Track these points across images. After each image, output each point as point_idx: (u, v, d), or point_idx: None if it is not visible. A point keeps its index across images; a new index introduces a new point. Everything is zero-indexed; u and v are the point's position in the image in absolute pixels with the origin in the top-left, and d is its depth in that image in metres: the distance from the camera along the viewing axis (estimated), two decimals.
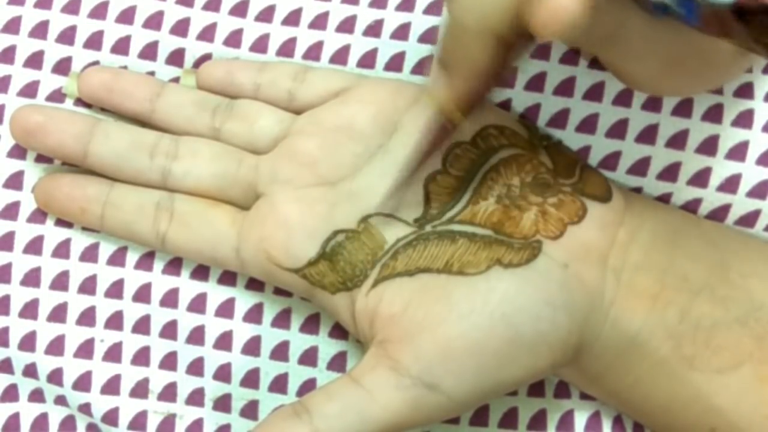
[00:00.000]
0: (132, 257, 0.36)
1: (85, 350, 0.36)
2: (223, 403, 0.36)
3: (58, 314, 0.36)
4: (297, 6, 0.36)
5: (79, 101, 0.37)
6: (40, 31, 0.37)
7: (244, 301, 0.36)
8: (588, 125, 0.35)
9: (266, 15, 0.37)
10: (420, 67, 0.36)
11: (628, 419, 0.36)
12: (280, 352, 0.36)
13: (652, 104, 0.35)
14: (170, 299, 0.36)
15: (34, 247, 0.36)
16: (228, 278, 0.36)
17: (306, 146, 0.34)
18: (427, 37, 0.36)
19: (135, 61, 0.37)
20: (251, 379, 0.36)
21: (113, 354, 0.36)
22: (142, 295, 0.36)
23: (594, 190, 0.33)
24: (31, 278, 0.36)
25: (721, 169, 0.35)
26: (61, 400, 0.37)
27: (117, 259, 0.36)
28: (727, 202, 0.35)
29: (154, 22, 0.37)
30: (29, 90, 0.37)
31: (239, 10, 0.37)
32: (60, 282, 0.36)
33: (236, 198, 0.35)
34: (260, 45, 0.36)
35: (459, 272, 0.31)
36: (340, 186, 0.34)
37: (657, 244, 0.32)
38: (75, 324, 0.36)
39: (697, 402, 0.32)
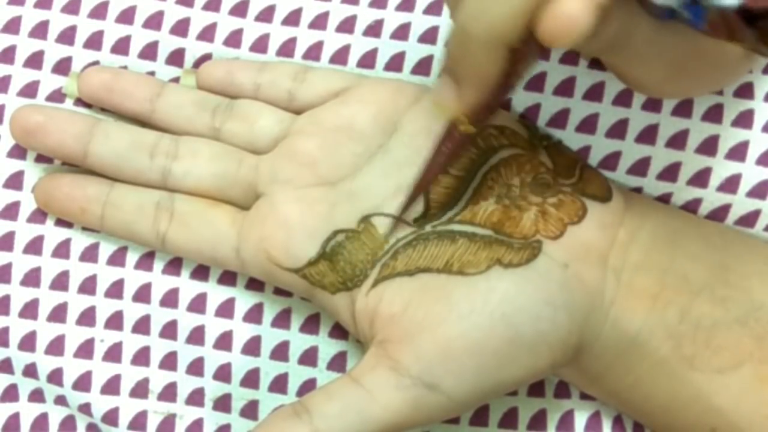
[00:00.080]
0: (132, 257, 0.36)
1: (85, 350, 0.36)
2: (223, 403, 0.36)
3: (58, 314, 0.36)
4: (297, 6, 0.36)
5: (79, 101, 0.37)
6: (40, 31, 0.37)
7: (244, 301, 0.36)
8: (588, 125, 0.35)
9: (266, 15, 0.37)
10: (420, 67, 0.36)
11: (628, 419, 0.36)
12: (280, 352, 0.36)
13: (652, 104, 0.35)
14: (170, 299, 0.36)
15: (34, 247, 0.36)
16: (228, 278, 0.36)
17: (306, 146, 0.34)
18: (427, 37, 0.36)
19: (135, 61, 0.37)
20: (251, 379, 0.36)
21: (113, 354, 0.36)
22: (142, 295, 0.36)
23: (594, 190, 0.33)
24: (31, 278, 0.36)
25: (721, 169, 0.35)
26: (61, 400, 0.37)
27: (117, 259, 0.36)
28: (727, 202, 0.35)
29: (154, 22, 0.37)
30: (29, 90, 0.37)
31: (239, 10, 0.37)
32: (60, 282, 0.36)
33: (236, 198, 0.35)
34: (260, 45, 0.36)
35: (459, 272, 0.31)
36: (340, 186, 0.34)
37: (657, 244, 0.32)
38: (75, 324, 0.36)
39: (697, 402, 0.32)
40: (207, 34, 0.37)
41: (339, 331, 0.36)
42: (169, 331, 0.36)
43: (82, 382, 0.36)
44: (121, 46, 0.37)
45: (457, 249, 0.32)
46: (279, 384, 0.36)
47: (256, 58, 0.36)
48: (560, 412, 0.36)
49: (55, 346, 0.36)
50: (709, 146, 0.35)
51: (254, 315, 0.36)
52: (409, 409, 0.30)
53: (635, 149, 0.35)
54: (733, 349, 0.31)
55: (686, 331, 0.31)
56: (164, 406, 0.36)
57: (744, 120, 0.34)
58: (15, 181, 0.37)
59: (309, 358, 0.36)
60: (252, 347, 0.36)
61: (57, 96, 0.37)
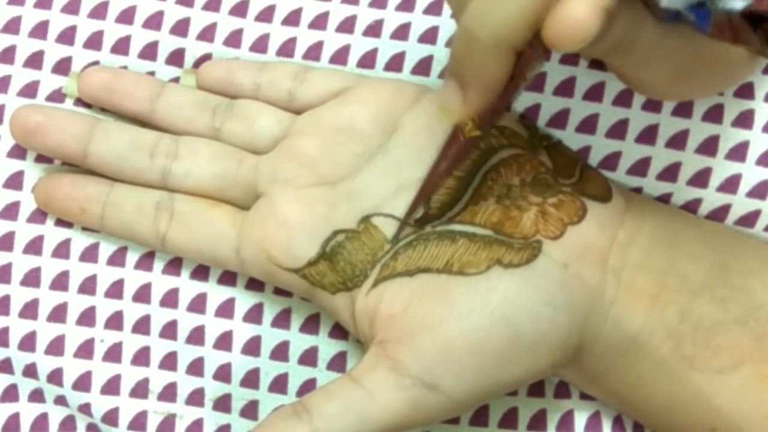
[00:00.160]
0: (132, 257, 0.36)
1: (85, 350, 0.36)
2: (223, 403, 0.36)
3: (58, 314, 0.36)
4: (297, 6, 0.36)
5: (79, 101, 0.37)
6: (40, 31, 0.37)
7: (244, 301, 0.36)
8: (588, 125, 0.35)
9: (266, 15, 0.37)
10: (420, 68, 0.36)
11: (628, 419, 0.36)
12: (280, 352, 0.36)
13: (653, 104, 0.35)
14: (170, 299, 0.36)
15: (34, 247, 0.36)
16: (228, 278, 0.36)
17: (306, 146, 0.34)
18: (427, 37, 0.36)
19: (135, 61, 0.37)
20: (251, 379, 0.36)
21: (113, 354, 0.36)
22: (142, 295, 0.36)
23: (594, 190, 0.33)
24: (31, 278, 0.36)
25: (721, 169, 0.35)
26: (61, 400, 0.37)
27: (117, 259, 0.36)
28: (727, 203, 0.35)
29: (154, 22, 0.37)
30: (29, 90, 0.37)
31: (239, 10, 0.37)
32: (60, 282, 0.36)
33: (236, 198, 0.35)
34: (260, 45, 0.36)
35: (459, 272, 0.31)
36: (340, 186, 0.34)
37: (657, 245, 0.32)
38: (75, 324, 0.36)
39: (697, 402, 0.32)
40: (207, 34, 0.37)
41: (339, 331, 0.36)
42: (169, 331, 0.36)
43: (82, 382, 0.36)
44: (121, 46, 0.37)
45: (457, 249, 0.32)
46: (279, 384, 0.36)
47: (256, 58, 0.36)
48: (560, 412, 0.36)
49: (55, 346, 0.36)
50: (709, 146, 0.35)
51: (254, 315, 0.36)
52: (409, 409, 0.30)
53: (635, 149, 0.35)
54: (732, 349, 0.31)
55: (686, 331, 0.31)
56: (164, 406, 0.36)
57: (744, 120, 0.34)
58: (15, 181, 0.37)
59: (309, 358, 0.36)
60: (252, 347, 0.36)
61: (57, 96, 0.37)
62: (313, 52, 0.36)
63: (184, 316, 0.36)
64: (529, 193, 0.33)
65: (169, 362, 0.36)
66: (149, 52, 0.37)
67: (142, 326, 0.36)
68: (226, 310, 0.36)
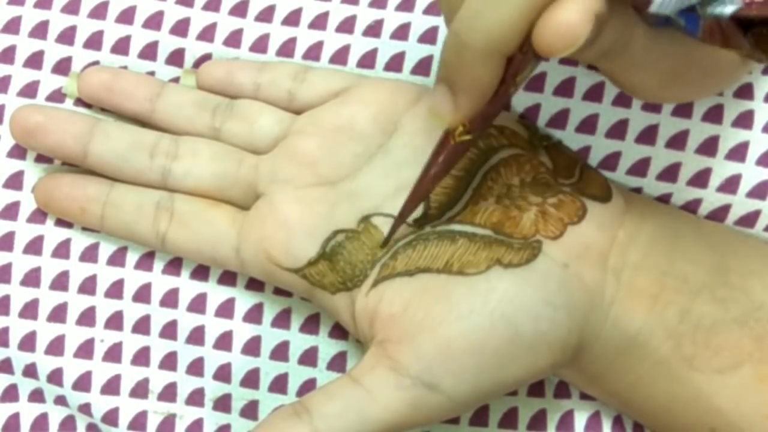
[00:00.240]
0: (132, 257, 0.36)
1: (85, 350, 0.36)
2: (223, 403, 0.36)
3: (58, 314, 0.36)
4: (297, 6, 0.36)
5: (79, 101, 0.37)
6: (40, 31, 0.37)
7: (244, 301, 0.36)
8: (588, 125, 0.35)
9: (266, 15, 0.37)
10: (420, 68, 0.36)
11: (628, 419, 0.36)
12: (280, 352, 0.36)
13: (652, 105, 0.35)
14: (170, 299, 0.36)
15: (34, 247, 0.36)
16: (228, 278, 0.36)
17: (306, 146, 0.34)
18: (427, 37, 0.36)
19: (135, 61, 0.37)
20: (251, 379, 0.36)
21: (113, 354, 0.36)
22: (142, 295, 0.36)
23: (594, 190, 0.33)
24: (31, 278, 0.36)
25: (721, 169, 0.35)
26: (61, 400, 0.37)
27: (117, 259, 0.36)
28: (727, 203, 0.35)
29: (154, 22, 0.37)
30: (29, 90, 0.37)
31: (239, 10, 0.37)
32: (60, 282, 0.36)
33: (236, 198, 0.35)
34: (260, 45, 0.36)
35: (459, 272, 0.31)
36: (340, 186, 0.34)
37: (657, 245, 0.32)
38: (75, 324, 0.36)
39: (697, 402, 0.32)
40: (207, 34, 0.37)
41: (339, 331, 0.36)
42: (169, 331, 0.36)
43: (82, 382, 0.36)
44: (121, 46, 0.37)
45: (457, 249, 0.32)
46: (279, 384, 0.36)
47: (256, 58, 0.36)
48: (560, 412, 0.36)
49: (55, 346, 0.36)
50: (709, 147, 0.35)
51: (254, 315, 0.36)
52: (409, 409, 0.30)
53: (635, 149, 0.35)
54: (732, 349, 0.31)
55: (686, 331, 0.31)
56: (164, 406, 0.36)
57: (744, 120, 0.34)
58: (15, 181, 0.37)
59: (309, 358, 0.36)
60: (252, 347, 0.36)
61: (57, 96, 0.37)
62: (313, 52, 0.36)
63: (184, 316, 0.36)
64: (528, 193, 0.33)
65: (169, 362, 0.36)
66: (149, 52, 0.37)
67: (142, 326, 0.36)
68: (226, 310, 0.36)
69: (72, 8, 0.37)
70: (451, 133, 0.29)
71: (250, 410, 0.36)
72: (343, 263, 0.33)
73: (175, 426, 0.36)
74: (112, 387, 0.36)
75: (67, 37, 0.37)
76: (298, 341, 0.36)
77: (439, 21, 0.36)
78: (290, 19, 0.36)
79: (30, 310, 0.36)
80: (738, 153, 0.35)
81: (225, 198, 0.35)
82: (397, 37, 0.36)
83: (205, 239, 0.35)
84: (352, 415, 0.30)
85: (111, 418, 0.36)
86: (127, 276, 0.36)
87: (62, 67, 0.37)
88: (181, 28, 0.37)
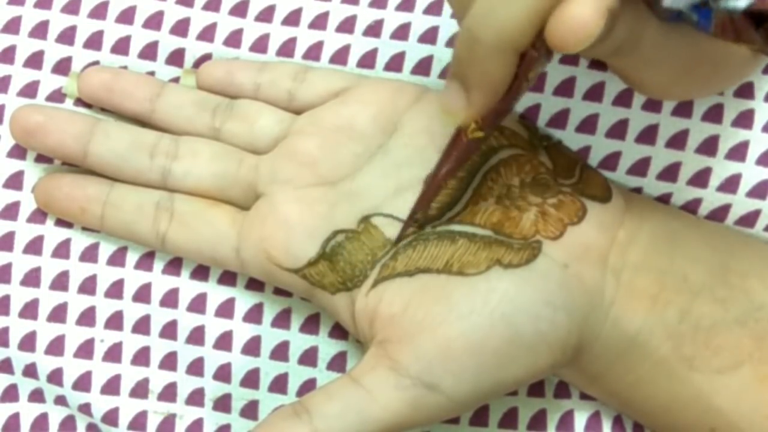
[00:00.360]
0: (132, 257, 0.36)
1: (85, 350, 0.36)
2: (223, 403, 0.36)
3: (58, 314, 0.36)
4: (297, 6, 0.36)
5: (79, 101, 0.37)
6: (40, 31, 0.37)
7: (244, 301, 0.36)
8: (588, 125, 0.35)
9: (266, 15, 0.37)
10: (420, 68, 0.36)
11: (628, 419, 0.36)
12: (280, 352, 0.36)
13: (652, 104, 0.35)
14: (170, 299, 0.36)
15: (34, 247, 0.36)
16: (228, 278, 0.36)
17: (306, 146, 0.34)
18: (427, 37, 0.36)
19: (135, 61, 0.37)
20: (251, 379, 0.36)
21: (113, 354, 0.36)
22: (142, 295, 0.36)
23: (594, 190, 0.33)
24: (31, 278, 0.36)
25: (721, 169, 0.35)
26: (61, 400, 0.37)
27: (117, 259, 0.36)
28: (727, 202, 0.35)
29: (154, 22, 0.37)
30: (29, 90, 0.37)
31: (239, 10, 0.37)
32: (60, 282, 0.36)
33: (236, 198, 0.35)
34: (260, 45, 0.36)
35: (459, 272, 0.31)
36: (340, 186, 0.34)
37: (657, 245, 0.32)
38: (75, 324, 0.36)
39: (697, 402, 0.32)
40: (207, 34, 0.37)
41: (339, 331, 0.36)
42: (169, 331, 0.36)
43: (82, 382, 0.36)
44: (121, 46, 0.37)
45: (456, 249, 0.32)
46: (279, 384, 0.36)
47: (256, 58, 0.36)
48: (560, 412, 0.36)
49: (55, 346, 0.36)
50: (709, 146, 0.35)
51: (254, 315, 0.36)
52: (409, 409, 0.30)
53: (635, 149, 0.35)
54: (732, 349, 0.31)
55: (686, 331, 0.31)
56: (164, 406, 0.36)
57: (744, 120, 0.34)
58: (15, 181, 0.37)
59: (309, 358, 0.36)
60: (252, 347, 0.36)
61: (57, 96, 0.37)
62: (313, 52, 0.36)
63: (184, 316, 0.36)
64: (528, 193, 0.33)
65: (169, 362, 0.36)
66: (149, 52, 0.37)
67: (142, 326, 0.36)
68: (226, 310, 0.36)
69: (72, 8, 0.37)
70: (463, 130, 0.29)
71: (250, 410, 0.36)
72: (343, 263, 0.33)
73: (175, 426, 0.36)
74: (112, 387, 0.36)
75: (67, 37, 0.37)
76: (298, 341, 0.36)
77: (439, 21, 0.36)
78: (290, 19, 0.36)
79: (30, 310, 0.36)
80: (738, 152, 0.35)
81: (225, 198, 0.35)
82: (397, 37, 0.36)
83: (205, 239, 0.35)
84: (352, 415, 0.30)
85: (111, 418, 0.36)
86: (127, 276, 0.36)
87: (62, 67, 0.37)
88: (181, 28, 0.37)
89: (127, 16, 0.37)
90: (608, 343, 0.32)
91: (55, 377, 0.36)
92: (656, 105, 0.35)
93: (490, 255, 0.31)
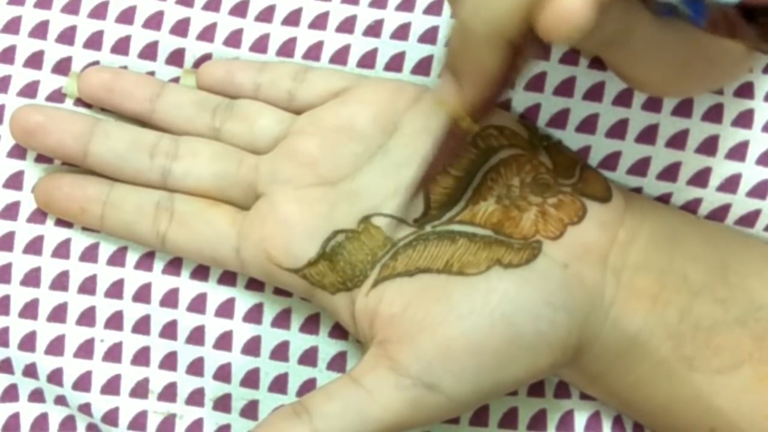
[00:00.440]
0: (132, 257, 0.36)
1: (85, 350, 0.36)
2: (223, 403, 0.36)
3: (58, 314, 0.36)
4: (297, 6, 0.36)
5: (79, 101, 0.37)
6: (40, 31, 0.37)
7: (244, 301, 0.36)
8: (588, 125, 0.35)
9: (266, 15, 0.37)
10: (420, 67, 0.36)
11: (628, 419, 0.36)
12: (280, 352, 0.36)
13: (652, 104, 0.35)
14: (170, 299, 0.36)
15: (34, 247, 0.36)
16: (228, 278, 0.36)
17: (306, 146, 0.34)
18: (427, 37, 0.36)
19: (135, 61, 0.37)
20: (251, 379, 0.36)
21: (113, 354, 0.36)
22: (142, 295, 0.36)
23: (594, 190, 0.33)
24: (31, 278, 0.36)
25: (721, 169, 0.35)
26: (61, 400, 0.37)
27: (117, 259, 0.36)
28: (727, 202, 0.35)
29: (154, 22, 0.37)
30: (29, 90, 0.37)
31: (239, 10, 0.37)
32: (60, 282, 0.36)
33: (236, 198, 0.35)
34: (260, 45, 0.36)
35: (459, 272, 0.31)
36: (340, 186, 0.34)
37: (657, 245, 0.32)
38: (75, 324, 0.36)
39: (697, 402, 0.32)
40: (207, 34, 0.37)
41: (339, 331, 0.36)
42: (169, 331, 0.36)
43: (82, 382, 0.36)
44: (121, 46, 0.37)
45: (457, 249, 0.32)
46: (279, 384, 0.36)
47: (256, 58, 0.36)
48: (560, 412, 0.36)
49: (55, 346, 0.36)
50: (709, 146, 0.35)
51: (254, 315, 0.36)
52: (409, 409, 0.30)
53: (635, 149, 0.35)
54: (732, 349, 0.31)
55: (686, 331, 0.31)
56: (164, 406, 0.36)
57: (744, 120, 0.34)
58: (15, 181, 0.37)
59: (309, 358, 0.36)
60: (252, 347, 0.36)
61: (57, 96, 0.37)
62: (313, 52, 0.36)
63: (184, 316, 0.36)
64: (528, 193, 0.33)
65: (169, 362, 0.36)
66: (149, 52, 0.37)
67: (142, 326, 0.36)
68: (226, 310, 0.36)
69: (72, 8, 0.37)
70: (456, 120, 0.30)
71: (250, 410, 0.36)
72: (343, 263, 0.33)
73: (175, 426, 0.36)
74: (112, 387, 0.36)
75: (67, 37, 0.37)
76: (298, 341, 0.36)
77: (439, 21, 0.36)
78: (290, 19, 0.36)
79: (30, 310, 0.36)
80: (738, 152, 0.35)
81: (225, 198, 0.35)
82: (397, 37, 0.36)
83: (205, 239, 0.35)
84: (352, 415, 0.30)
85: (111, 418, 0.36)
86: (127, 276, 0.36)
87: (62, 67, 0.37)
88: (181, 28, 0.37)
89: (127, 16, 0.37)
90: (608, 343, 0.32)
91: (55, 377, 0.36)
92: (656, 105, 0.35)
93: (490, 255, 0.31)
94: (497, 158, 0.33)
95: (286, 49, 0.36)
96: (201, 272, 0.36)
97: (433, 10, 0.36)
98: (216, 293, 0.36)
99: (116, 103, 0.36)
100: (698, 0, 0.25)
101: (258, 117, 0.35)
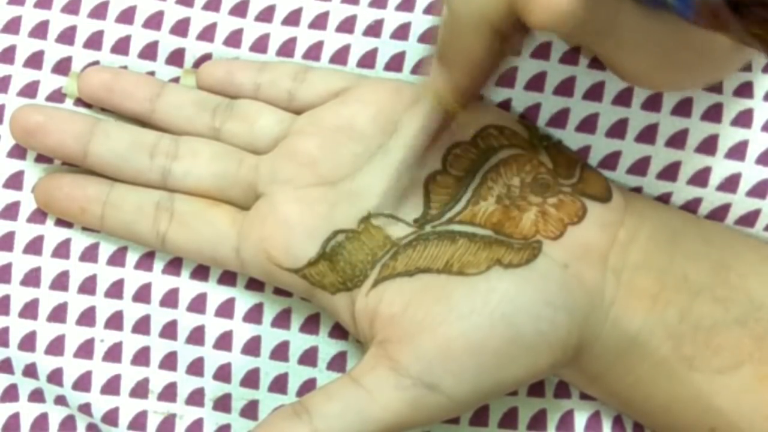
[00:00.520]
0: (132, 257, 0.36)
1: (85, 350, 0.36)
2: (223, 403, 0.36)
3: (58, 314, 0.36)
4: (297, 6, 0.36)
5: (79, 101, 0.37)
6: (40, 31, 0.37)
7: (244, 301, 0.36)
8: (588, 125, 0.35)
9: (266, 15, 0.37)
10: (420, 67, 0.36)
11: (628, 419, 0.36)
12: (280, 352, 0.36)
13: (652, 104, 0.35)
14: (170, 299, 0.36)
15: (34, 247, 0.36)
16: (228, 278, 0.36)
17: (306, 146, 0.34)
18: (427, 37, 0.36)
19: (135, 61, 0.37)
20: (251, 379, 0.36)
21: (113, 354, 0.36)
22: (142, 295, 0.36)
23: (594, 190, 0.33)
24: (31, 278, 0.36)
25: (721, 168, 0.35)
26: (61, 400, 0.37)
27: (117, 259, 0.36)
28: (727, 202, 0.35)
29: (154, 22, 0.37)
30: (29, 90, 0.37)
31: (239, 10, 0.37)
32: (60, 282, 0.36)
33: (236, 198, 0.35)
34: (260, 45, 0.36)
35: (459, 272, 0.31)
36: (340, 186, 0.34)
37: (657, 244, 0.32)
38: (75, 324, 0.36)
39: (697, 402, 0.32)
40: (207, 34, 0.37)
41: (339, 331, 0.36)
42: (169, 331, 0.36)
43: (82, 382, 0.36)
44: (121, 46, 0.37)
45: (457, 249, 0.32)
46: (279, 384, 0.36)
47: (256, 58, 0.36)
48: (560, 412, 0.36)
49: (55, 346, 0.36)
50: (708, 145, 0.35)
51: (254, 315, 0.36)
52: (409, 409, 0.30)
53: (635, 149, 0.35)
54: (732, 349, 0.31)
55: (686, 331, 0.31)
56: (164, 406, 0.36)
57: (743, 119, 0.34)
58: (15, 181, 0.37)
59: (309, 358, 0.36)
60: (252, 347, 0.36)
61: (57, 96, 0.37)
62: (313, 52, 0.36)
63: (184, 316, 0.36)
64: (529, 193, 0.33)
65: (169, 362, 0.36)
66: (149, 52, 0.37)
67: (142, 326, 0.36)
68: (226, 310, 0.36)
69: (72, 8, 0.37)
70: (441, 103, 0.30)
71: (250, 410, 0.36)
72: (343, 263, 0.33)
73: (175, 426, 0.36)
74: (112, 387, 0.36)
75: (67, 37, 0.37)
76: (298, 341, 0.36)
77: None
78: (290, 19, 0.36)
79: (30, 310, 0.36)
80: (738, 152, 0.35)
81: (225, 198, 0.35)
82: (397, 37, 0.36)
83: (205, 239, 0.35)
84: (352, 416, 0.30)
85: (111, 418, 0.36)
86: (127, 276, 0.36)
87: (62, 67, 0.37)
88: (181, 28, 0.37)
89: (127, 16, 0.37)
90: (608, 343, 0.32)
91: (55, 377, 0.36)
92: (656, 104, 0.35)
93: (490, 255, 0.31)
94: (497, 158, 0.33)
95: (286, 49, 0.36)
96: (201, 272, 0.36)
97: (433, 10, 0.36)
98: (216, 293, 0.36)
99: (116, 103, 0.36)
100: None
101: (258, 117, 0.35)
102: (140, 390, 0.36)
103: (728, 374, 0.31)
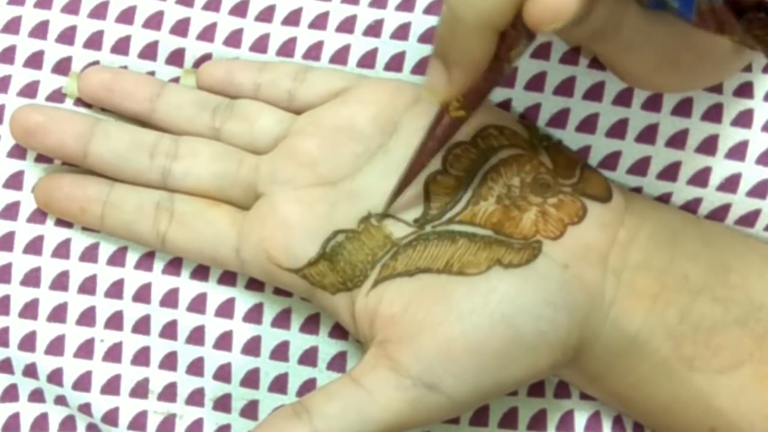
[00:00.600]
0: (132, 257, 0.36)
1: (85, 350, 0.36)
2: (223, 403, 0.36)
3: (58, 314, 0.36)
4: (297, 6, 0.36)
5: (79, 101, 0.37)
6: (40, 31, 0.37)
7: (244, 301, 0.36)
8: (588, 125, 0.35)
9: (266, 15, 0.37)
10: (420, 67, 0.36)
11: (628, 419, 0.36)
12: (280, 352, 0.36)
13: (652, 104, 0.35)
14: (170, 299, 0.36)
15: (34, 247, 0.36)
16: (228, 278, 0.36)
17: (306, 146, 0.34)
18: (427, 37, 0.36)
19: (135, 61, 0.37)
20: (251, 379, 0.36)
21: (113, 354, 0.36)
22: (142, 295, 0.36)
23: (594, 190, 0.33)
24: (31, 278, 0.36)
25: (721, 168, 0.35)
26: (61, 400, 0.37)
27: (117, 259, 0.36)
28: (727, 202, 0.35)
29: (154, 22, 0.37)
30: (29, 90, 0.37)
31: (239, 10, 0.37)
32: (60, 282, 0.36)
33: (236, 198, 0.35)
34: (260, 45, 0.36)
35: (459, 272, 0.31)
36: (341, 186, 0.34)
37: (657, 244, 0.32)
38: (75, 324, 0.36)
39: (697, 402, 0.32)
40: (207, 34, 0.37)
41: (339, 331, 0.36)
42: (169, 331, 0.36)
43: (82, 382, 0.36)
44: (121, 46, 0.37)
45: (457, 249, 0.32)
46: (279, 384, 0.36)
47: (256, 58, 0.36)
48: (560, 412, 0.36)
49: (55, 346, 0.36)
50: (708, 146, 0.35)
51: (254, 315, 0.36)
52: (409, 410, 0.30)
53: (635, 149, 0.35)
54: (733, 349, 0.31)
55: (686, 331, 0.31)
56: (164, 406, 0.36)
57: (743, 119, 0.34)
58: (15, 181, 0.37)
59: (309, 358, 0.36)
60: (252, 347, 0.36)
61: (57, 96, 0.37)
62: (313, 52, 0.36)
63: (184, 316, 0.36)
64: (529, 193, 0.33)
65: (169, 362, 0.36)
66: (149, 52, 0.37)
67: (142, 326, 0.36)
68: (226, 310, 0.36)
69: (72, 8, 0.37)
70: (445, 108, 0.30)
71: (250, 410, 0.36)
72: (343, 263, 0.33)
73: (175, 426, 0.36)
74: (112, 387, 0.36)
75: (67, 37, 0.37)
76: (298, 341, 0.36)
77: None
78: (290, 19, 0.36)
79: (30, 310, 0.36)
80: (738, 152, 0.35)
81: (225, 198, 0.35)
82: (397, 37, 0.36)
83: (205, 239, 0.35)
84: (352, 416, 0.30)
85: (111, 418, 0.36)
86: (127, 276, 0.36)
87: (62, 67, 0.37)
88: (181, 28, 0.37)
89: (127, 16, 0.37)
90: (608, 343, 0.32)
91: (55, 377, 0.36)
92: (656, 104, 0.35)
93: (490, 255, 0.31)
94: (497, 158, 0.33)
95: (286, 49, 0.36)
96: (201, 272, 0.36)
97: (433, 10, 0.36)
98: (216, 293, 0.36)
99: (116, 103, 0.36)
100: None
101: (258, 117, 0.35)
102: (140, 390, 0.36)
103: (728, 374, 0.31)
